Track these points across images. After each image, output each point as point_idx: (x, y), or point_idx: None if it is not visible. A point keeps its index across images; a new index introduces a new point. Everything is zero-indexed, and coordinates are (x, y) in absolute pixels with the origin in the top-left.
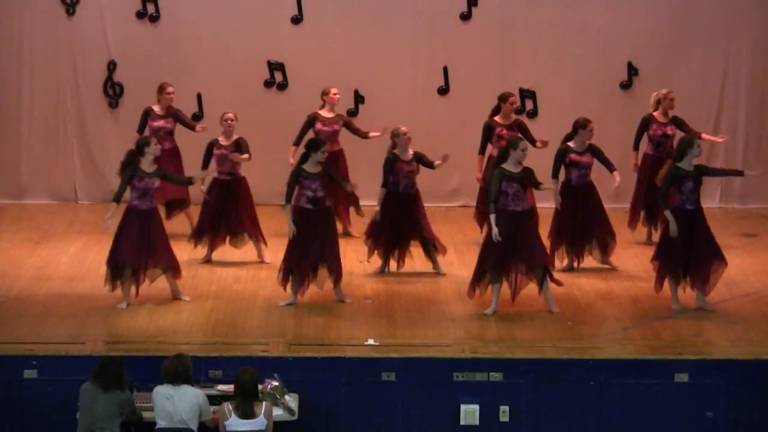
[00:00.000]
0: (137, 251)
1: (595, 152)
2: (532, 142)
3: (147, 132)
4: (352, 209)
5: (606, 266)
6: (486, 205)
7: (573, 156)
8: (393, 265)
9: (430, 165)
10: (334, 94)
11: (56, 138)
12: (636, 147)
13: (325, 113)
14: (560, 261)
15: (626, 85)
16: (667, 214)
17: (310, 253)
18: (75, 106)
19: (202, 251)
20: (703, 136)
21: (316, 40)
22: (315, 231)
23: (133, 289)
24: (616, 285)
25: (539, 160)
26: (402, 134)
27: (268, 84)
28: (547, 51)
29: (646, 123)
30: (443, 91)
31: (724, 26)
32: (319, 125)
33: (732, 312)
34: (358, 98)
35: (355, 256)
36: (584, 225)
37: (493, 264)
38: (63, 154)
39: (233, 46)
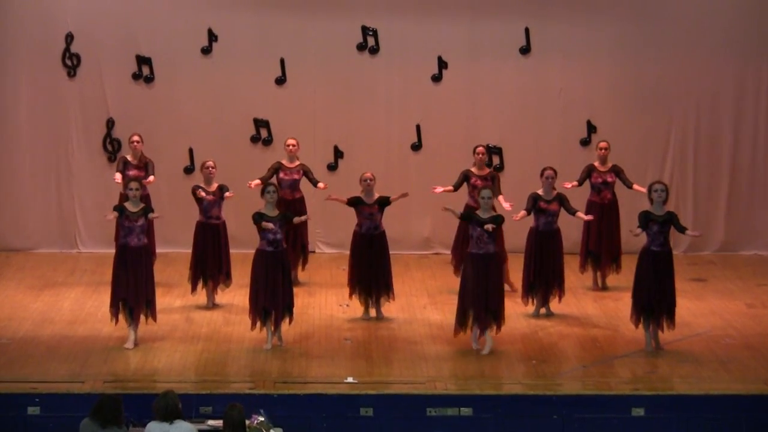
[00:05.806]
0: (131, 287)
1: (562, 200)
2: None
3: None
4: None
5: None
6: (463, 246)
7: (542, 204)
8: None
9: (387, 202)
10: (287, 145)
11: (59, 191)
12: (581, 184)
13: (287, 163)
14: (531, 304)
15: (585, 142)
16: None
17: (274, 294)
18: (76, 160)
19: (196, 298)
20: (635, 186)
21: (298, 99)
22: (275, 274)
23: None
24: (576, 327)
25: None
26: (363, 179)
27: (254, 139)
28: (512, 111)
29: (589, 171)
30: (416, 147)
31: (671, 87)
32: (281, 174)
33: (684, 351)
34: (338, 153)
35: (335, 300)
36: (552, 270)
37: (471, 302)
38: (65, 206)
39: (222, 104)
